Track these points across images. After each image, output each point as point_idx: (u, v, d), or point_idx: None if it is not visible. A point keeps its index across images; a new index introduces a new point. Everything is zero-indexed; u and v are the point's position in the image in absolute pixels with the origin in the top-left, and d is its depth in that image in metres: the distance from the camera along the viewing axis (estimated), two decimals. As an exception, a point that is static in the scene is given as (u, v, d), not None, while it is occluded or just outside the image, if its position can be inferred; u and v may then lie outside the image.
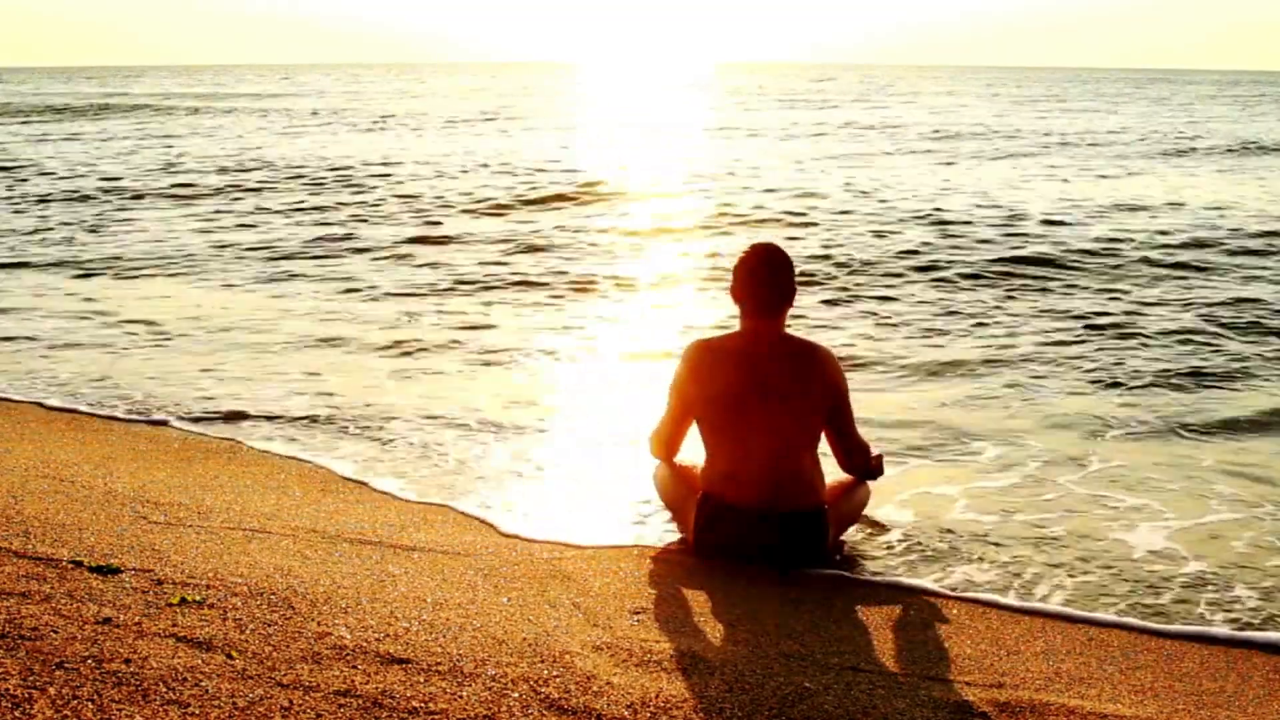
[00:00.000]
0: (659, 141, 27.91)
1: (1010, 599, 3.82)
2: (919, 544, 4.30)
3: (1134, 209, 14.68)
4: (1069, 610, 3.75)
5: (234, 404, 6.13)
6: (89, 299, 9.39)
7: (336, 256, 11.53)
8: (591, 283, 10.09)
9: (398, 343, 7.80)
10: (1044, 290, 9.79)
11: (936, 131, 30.04)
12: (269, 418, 5.85)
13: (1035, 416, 6.14)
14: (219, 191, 16.93)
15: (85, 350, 7.52)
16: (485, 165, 20.41)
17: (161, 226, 13.56)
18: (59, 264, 11.10)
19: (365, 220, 13.86)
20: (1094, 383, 6.84)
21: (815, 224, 13.39)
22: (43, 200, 15.90)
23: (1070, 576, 4.03)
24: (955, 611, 3.71)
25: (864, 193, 16.46)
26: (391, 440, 5.53)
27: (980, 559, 4.18)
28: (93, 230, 13.27)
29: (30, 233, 13.03)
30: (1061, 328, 8.34)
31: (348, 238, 12.55)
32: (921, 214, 14.05)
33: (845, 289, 9.86)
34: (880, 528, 4.43)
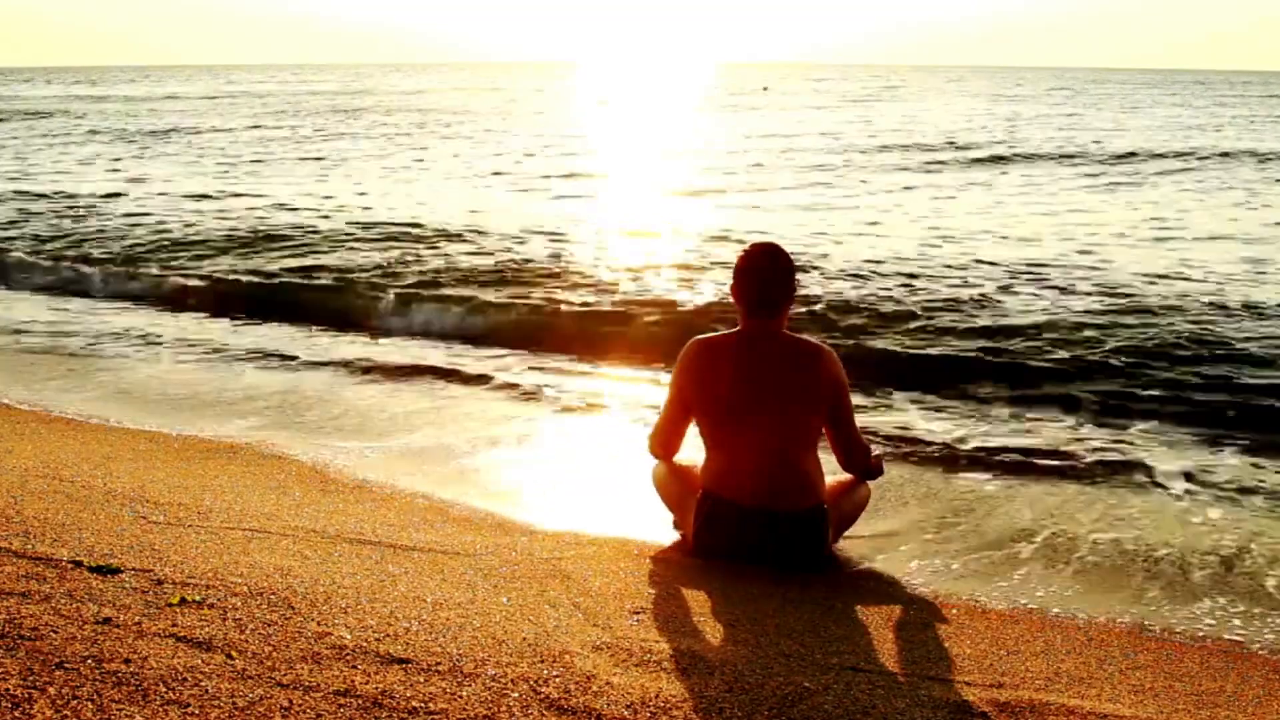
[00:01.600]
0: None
1: (1007, 604, 3.81)
2: (919, 544, 4.30)
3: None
4: (1067, 615, 3.74)
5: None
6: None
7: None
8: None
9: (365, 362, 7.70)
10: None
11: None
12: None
13: (1049, 420, 6.13)
14: None
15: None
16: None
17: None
18: None
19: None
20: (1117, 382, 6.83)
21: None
22: None
23: (1073, 576, 4.03)
24: (955, 611, 3.71)
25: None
26: (391, 446, 5.53)
27: (981, 560, 4.18)
28: None
29: None
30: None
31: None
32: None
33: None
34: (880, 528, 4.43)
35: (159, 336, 8.29)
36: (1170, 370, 7.10)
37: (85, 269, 11.13)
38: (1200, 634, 3.61)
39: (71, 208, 15.35)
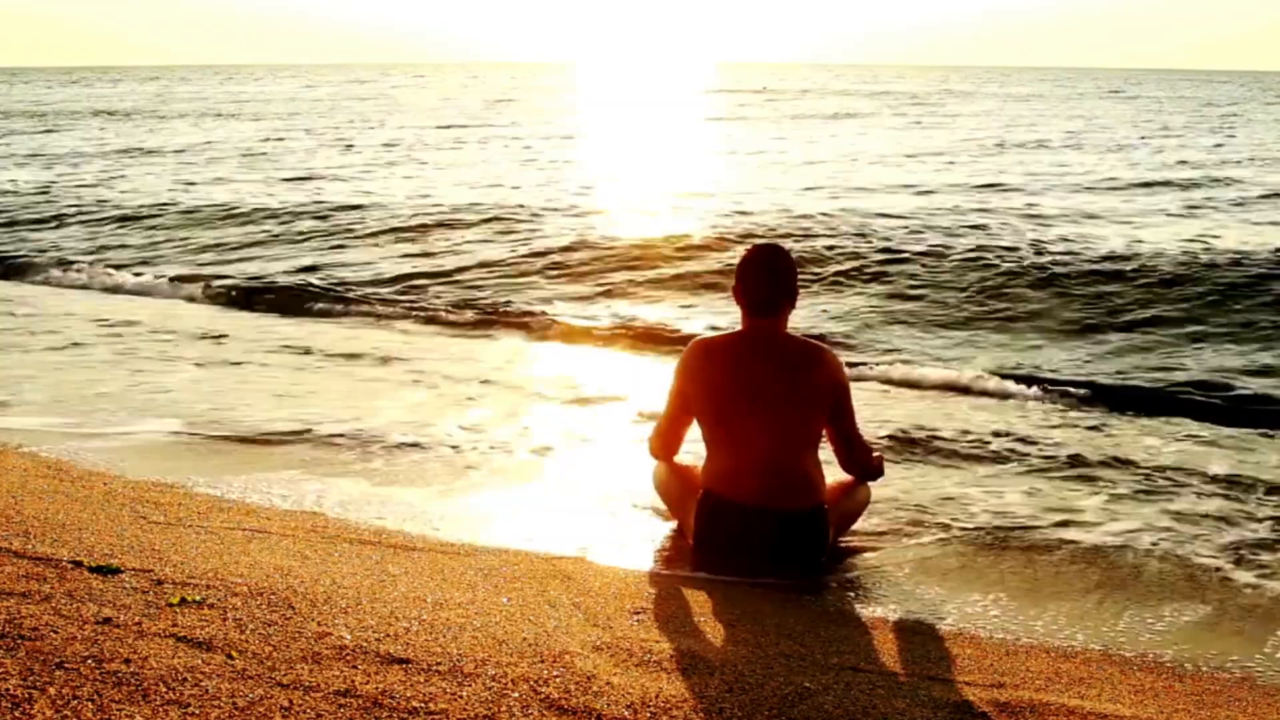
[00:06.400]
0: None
1: (1005, 632, 3.56)
2: (919, 543, 4.29)
3: None
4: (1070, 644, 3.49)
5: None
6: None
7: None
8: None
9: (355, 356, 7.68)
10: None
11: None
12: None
13: (1057, 421, 6.10)
14: None
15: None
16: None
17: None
18: None
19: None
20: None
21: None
22: None
23: (1077, 593, 4.02)
24: (955, 611, 3.70)
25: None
26: (390, 451, 5.52)
27: (981, 558, 4.17)
28: None
29: None
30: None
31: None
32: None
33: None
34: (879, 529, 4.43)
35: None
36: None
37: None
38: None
39: None
